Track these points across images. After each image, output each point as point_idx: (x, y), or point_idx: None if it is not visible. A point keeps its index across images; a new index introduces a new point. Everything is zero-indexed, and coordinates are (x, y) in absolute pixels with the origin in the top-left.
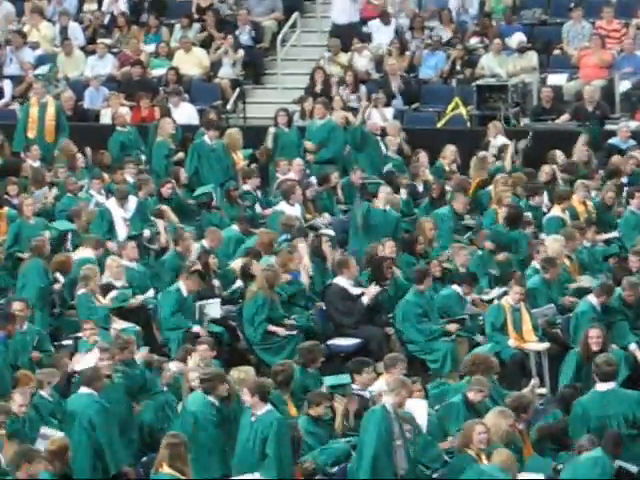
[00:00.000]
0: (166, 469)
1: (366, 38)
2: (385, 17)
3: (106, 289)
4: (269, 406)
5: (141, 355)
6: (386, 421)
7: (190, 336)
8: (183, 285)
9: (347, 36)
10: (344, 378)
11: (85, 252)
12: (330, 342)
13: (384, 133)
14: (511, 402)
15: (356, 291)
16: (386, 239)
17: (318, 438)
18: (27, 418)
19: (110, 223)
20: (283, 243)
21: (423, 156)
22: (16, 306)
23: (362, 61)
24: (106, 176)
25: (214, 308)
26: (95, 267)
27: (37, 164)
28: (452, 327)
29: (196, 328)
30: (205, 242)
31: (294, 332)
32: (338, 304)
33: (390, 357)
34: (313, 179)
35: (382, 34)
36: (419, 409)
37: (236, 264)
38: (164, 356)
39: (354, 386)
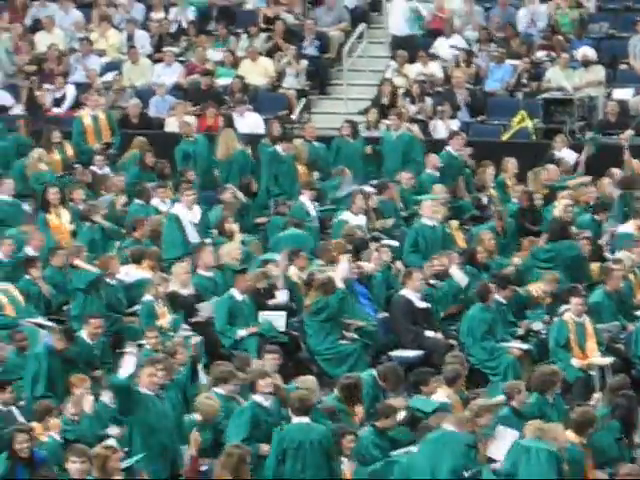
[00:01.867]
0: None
1: (429, 50)
2: (449, 30)
3: (172, 297)
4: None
5: None
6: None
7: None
8: (235, 290)
9: (409, 48)
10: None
11: (142, 272)
12: (392, 353)
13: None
14: (577, 417)
15: (421, 305)
16: None
17: (383, 451)
18: (89, 422)
19: (182, 228)
20: None
21: (491, 170)
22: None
23: (428, 73)
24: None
25: (280, 320)
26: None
27: (105, 171)
28: (516, 352)
29: (241, 332)
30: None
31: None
32: (402, 316)
33: (452, 370)
34: (369, 188)
35: (446, 47)
36: (506, 439)
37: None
38: None
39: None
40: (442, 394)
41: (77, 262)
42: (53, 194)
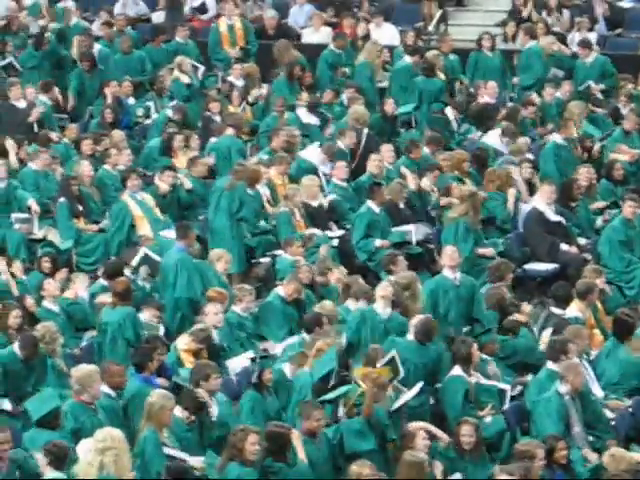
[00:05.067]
0: None
1: None
2: None
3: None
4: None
5: None
6: (563, 409)
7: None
8: (372, 203)
9: None
10: None
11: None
12: (527, 266)
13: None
14: None
15: (554, 217)
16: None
17: None
18: (221, 333)
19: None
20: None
21: (630, 85)
22: None
23: None
24: (305, 95)
25: (409, 235)
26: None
27: (240, 82)
28: None
29: (378, 242)
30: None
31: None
32: (535, 228)
33: (583, 284)
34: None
35: None
36: None
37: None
38: None
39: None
40: (574, 308)
41: None
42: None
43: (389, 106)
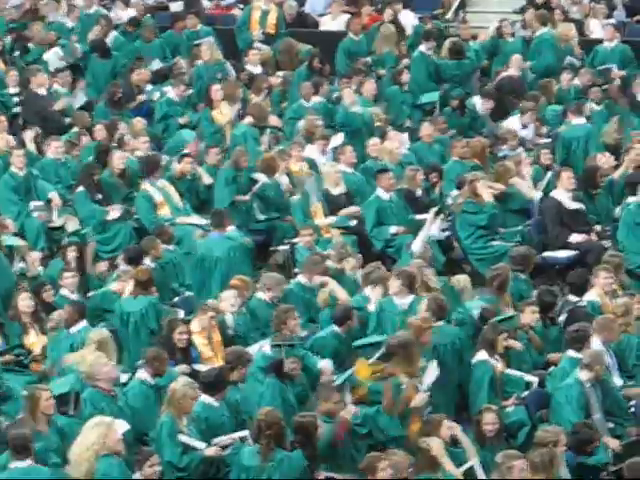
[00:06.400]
0: None
1: None
2: None
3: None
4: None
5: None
6: (583, 396)
7: None
8: (380, 190)
9: None
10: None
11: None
12: (545, 254)
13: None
14: None
15: (572, 205)
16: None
17: None
18: (241, 321)
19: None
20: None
21: None
22: None
23: None
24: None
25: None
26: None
27: (258, 69)
28: None
29: (393, 229)
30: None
31: (511, 244)
32: (550, 217)
33: (595, 270)
34: None
35: None
36: None
37: None
38: None
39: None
40: (592, 293)
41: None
42: (215, 91)
43: (405, 75)
